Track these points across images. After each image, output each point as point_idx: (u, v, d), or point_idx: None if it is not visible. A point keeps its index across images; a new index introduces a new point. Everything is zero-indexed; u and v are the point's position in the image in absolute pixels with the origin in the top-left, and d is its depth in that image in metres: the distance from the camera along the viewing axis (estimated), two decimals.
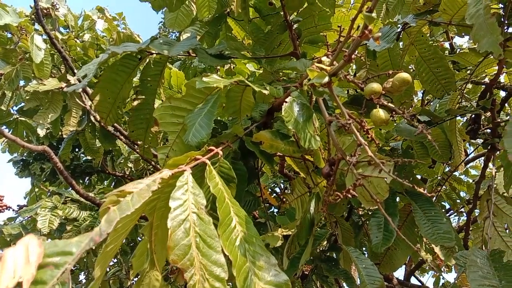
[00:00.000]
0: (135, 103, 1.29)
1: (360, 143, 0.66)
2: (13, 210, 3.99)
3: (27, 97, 2.66)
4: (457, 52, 2.28)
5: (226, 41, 1.56)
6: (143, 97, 1.33)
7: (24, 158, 4.89)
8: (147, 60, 1.34)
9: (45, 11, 2.89)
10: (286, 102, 0.90)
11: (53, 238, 3.22)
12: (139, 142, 1.27)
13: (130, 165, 4.49)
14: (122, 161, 4.29)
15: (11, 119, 2.96)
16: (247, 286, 0.64)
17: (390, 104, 0.77)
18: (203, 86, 0.87)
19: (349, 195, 0.73)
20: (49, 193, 3.54)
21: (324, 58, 0.77)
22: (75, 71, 2.16)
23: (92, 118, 2.91)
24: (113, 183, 5.05)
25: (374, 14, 0.58)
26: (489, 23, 0.80)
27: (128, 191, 0.56)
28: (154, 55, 1.35)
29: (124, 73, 1.28)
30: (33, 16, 2.91)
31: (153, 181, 0.59)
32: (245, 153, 1.07)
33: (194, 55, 1.20)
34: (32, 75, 2.55)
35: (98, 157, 3.70)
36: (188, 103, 0.97)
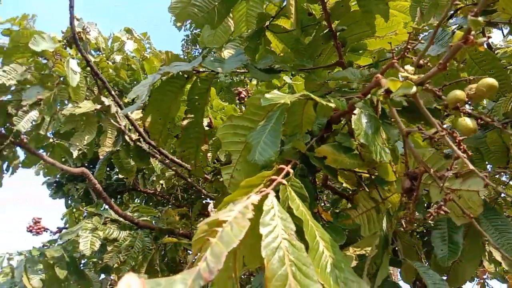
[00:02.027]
0: (185, 122, 1.27)
1: (458, 156, 0.61)
2: (51, 232, 4.05)
3: (63, 120, 2.70)
4: (494, 51, 2.20)
5: (272, 55, 1.53)
6: (192, 116, 1.31)
7: (57, 180, 4.98)
8: (194, 79, 1.32)
9: (77, 35, 2.94)
10: (354, 114, 0.86)
11: (95, 259, 3.23)
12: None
13: (161, 182, 4.51)
14: (154, 179, 4.31)
15: (48, 142, 3.00)
16: None
17: (474, 112, 0.72)
18: (268, 103, 0.84)
19: (442, 212, 0.68)
20: (85, 214, 3.57)
21: (407, 67, 0.72)
22: (112, 92, 2.17)
23: (126, 138, 2.93)
24: (144, 201, 5.09)
25: (480, 18, 0.54)
26: None
27: (221, 219, 0.53)
28: (200, 73, 1.33)
29: (172, 93, 1.27)
30: (64, 41, 2.96)
31: (245, 207, 0.56)
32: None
33: (245, 71, 1.18)
34: (68, 98, 2.58)
35: (131, 176, 3.72)
36: (249, 121, 0.94)
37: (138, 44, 3.28)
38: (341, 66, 1.45)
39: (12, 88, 2.53)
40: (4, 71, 2.29)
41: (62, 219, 4.25)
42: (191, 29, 7.60)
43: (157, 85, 1.27)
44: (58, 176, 4.79)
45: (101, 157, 2.86)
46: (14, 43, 2.42)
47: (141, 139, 2.97)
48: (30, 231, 3.96)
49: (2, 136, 2.50)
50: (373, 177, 1.04)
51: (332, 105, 0.87)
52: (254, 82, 3.63)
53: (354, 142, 1.04)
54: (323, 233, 0.68)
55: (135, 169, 3.61)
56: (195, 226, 4.19)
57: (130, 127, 3.02)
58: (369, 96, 0.99)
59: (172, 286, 0.45)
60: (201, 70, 1.31)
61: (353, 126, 0.84)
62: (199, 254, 0.59)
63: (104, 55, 3.17)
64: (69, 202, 4.83)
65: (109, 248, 2.68)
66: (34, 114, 2.35)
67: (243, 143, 0.93)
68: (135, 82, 3.99)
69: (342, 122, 1.19)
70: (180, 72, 1.21)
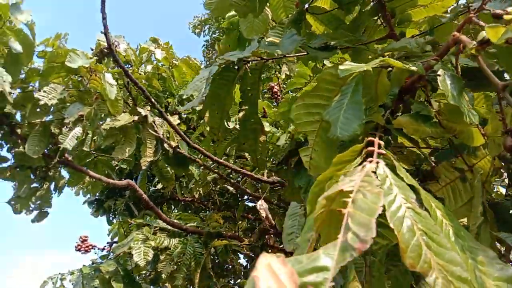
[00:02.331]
0: (241, 114, 1.23)
1: None
2: (98, 248, 4.10)
3: (104, 135, 2.72)
4: None
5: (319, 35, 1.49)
6: (246, 107, 1.27)
7: (97, 197, 5.05)
8: (244, 70, 1.29)
9: (106, 50, 2.96)
10: (439, 75, 0.80)
11: (144, 271, 3.24)
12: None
13: (198, 189, 4.49)
14: (192, 186, 4.30)
15: (90, 159, 3.03)
16: (479, 286, 0.54)
17: None
18: (347, 73, 0.79)
19: None
20: (129, 226, 3.58)
21: (510, 8, 0.66)
22: (152, 100, 2.17)
23: (165, 146, 2.92)
24: (182, 209, 5.08)
25: None
26: None
27: (346, 190, 0.48)
28: (250, 63, 1.30)
29: (226, 86, 1.24)
30: (95, 57, 2.99)
31: (367, 175, 0.51)
32: None
33: (303, 53, 1.13)
34: (108, 112, 2.60)
35: (171, 184, 3.72)
36: (321, 98, 0.89)
37: (166, 52, 3.29)
38: (393, 38, 1.38)
39: (52, 109, 2.57)
40: (44, 91, 2.32)
41: (108, 234, 4.31)
42: (210, 34, 7.63)
43: (211, 80, 1.24)
44: (97, 194, 4.85)
45: (143, 167, 2.87)
46: (49, 64, 2.46)
47: (179, 146, 2.96)
48: (79, 250, 4.02)
49: (48, 157, 2.54)
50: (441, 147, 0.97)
51: (414, 68, 0.81)
52: (283, 76, 3.58)
53: (432, 109, 0.98)
54: (436, 201, 0.62)
55: (174, 177, 3.61)
56: (239, 227, 4.19)
57: (168, 135, 3.02)
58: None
59: (315, 262, 0.41)
60: (250, 60, 1.27)
61: (440, 88, 0.78)
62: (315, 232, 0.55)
63: (134, 67, 3.19)
64: (111, 218, 4.88)
65: (161, 257, 2.68)
66: (78, 130, 2.37)
67: (318, 122, 0.88)
68: (164, 92, 4.01)
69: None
70: (236, 61, 1.17)
